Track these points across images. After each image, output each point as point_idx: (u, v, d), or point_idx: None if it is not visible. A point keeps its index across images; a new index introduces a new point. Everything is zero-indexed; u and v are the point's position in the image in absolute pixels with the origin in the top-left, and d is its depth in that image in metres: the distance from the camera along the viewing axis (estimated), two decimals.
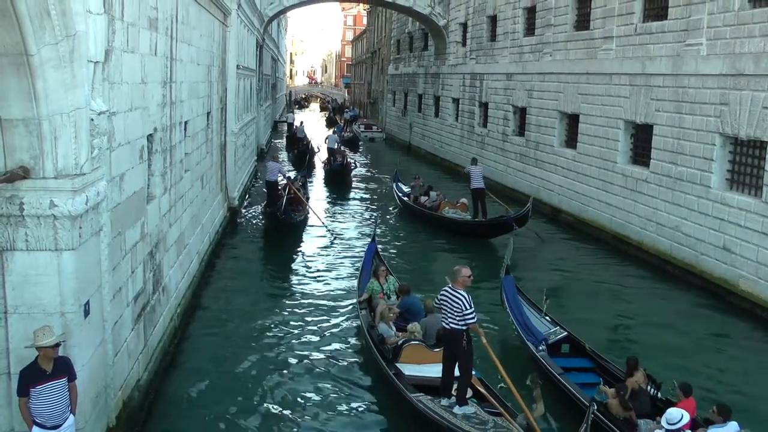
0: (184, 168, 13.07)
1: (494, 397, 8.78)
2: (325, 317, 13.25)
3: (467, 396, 8.65)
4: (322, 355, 11.43)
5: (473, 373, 8.97)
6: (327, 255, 18.11)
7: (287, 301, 14.25)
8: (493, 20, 30.38)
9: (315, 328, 12.71)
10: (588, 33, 21.58)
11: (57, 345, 6.19)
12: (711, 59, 15.76)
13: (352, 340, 12.13)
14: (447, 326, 8.75)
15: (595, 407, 7.35)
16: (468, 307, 8.50)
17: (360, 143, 45.92)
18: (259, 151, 32.34)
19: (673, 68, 17.09)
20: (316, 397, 9.98)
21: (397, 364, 9.65)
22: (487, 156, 30.19)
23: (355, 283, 14.18)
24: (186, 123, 13.11)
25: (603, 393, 8.90)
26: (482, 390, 8.89)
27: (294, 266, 17.21)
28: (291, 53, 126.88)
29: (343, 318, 13.20)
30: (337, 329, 12.70)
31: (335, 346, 11.91)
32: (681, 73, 16.78)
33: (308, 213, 21.47)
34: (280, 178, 22.37)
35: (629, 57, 19.14)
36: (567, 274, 17.12)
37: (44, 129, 6.21)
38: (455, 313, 8.56)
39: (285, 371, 10.85)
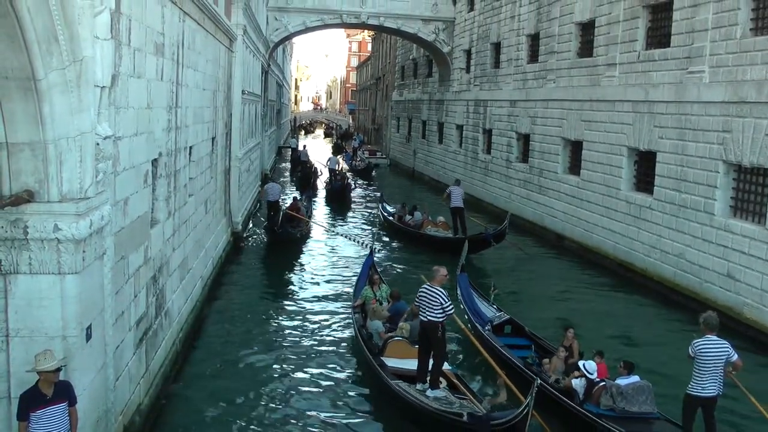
0: (188, 192, 13.11)
1: (464, 386, 10.25)
2: (323, 322, 14.42)
3: (442, 385, 9.99)
4: (318, 358, 12.49)
5: (450, 368, 10.57)
6: (326, 268, 19.29)
7: (288, 314, 15.05)
8: (497, 47, 30.60)
9: (312, 340, 13.45)
10: (591, 60, 21.71)
11: (58, 369, 6.17)
12: (713, 86, 15.84)
13: (347, 340, 13.36)
14: (425, 318, 10.01)
15: (539, 381, 8.76)
16: (446, 301, 9.90)
17: (373, 173, 44.22)
18: (263, 177, 32.49)
19: (676, 95, 17.16)
20: (313, 399, 10.82)
21: (382, 358, 11.05)
22: (491, 183, 30.26)
23: (350, 291, 15.40)
24: (191, 148, 13.17)
25: (535, 358, 11.32)
26: (455, 381, 10.32)
27: (294, 280, 18.17)
28: (296, 79, 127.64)
29: (340, 320, 14.48)
30: (334, 331, 13.96)
31: (331, 347, 13.07)
32: (684, 100, 16.85)
33: (309, 229, 23.02)
34: (281, 199, 23.89)
35: (632, 84, 19.23)
36: (571, 300, 17.06)
37: (50, 153, 6.25)
38: (434, 307, 9.87)
39: (284, 385, 11.31)
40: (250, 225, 25.31)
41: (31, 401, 6.15)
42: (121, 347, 8.13)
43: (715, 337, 8.60)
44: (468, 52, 34.63)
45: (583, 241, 21.63)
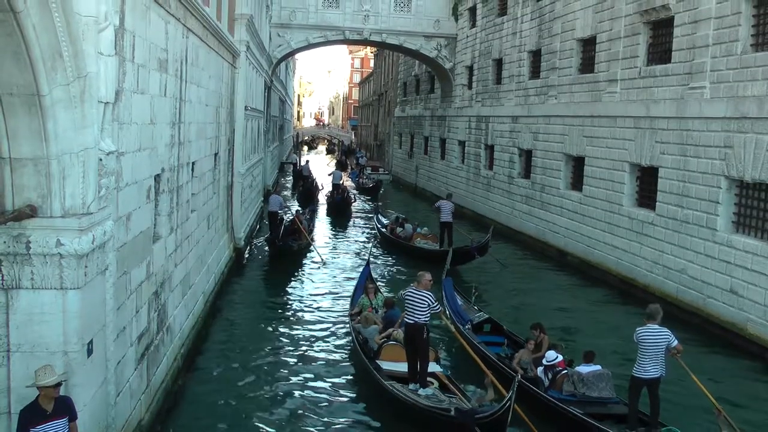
0: (191, 208, 13.13)
1: (454, 386, 10.96)
2: (322, 331, 14.97)
3: (433, 385, 10.74)
4: (318, 363, 13.06)
5: (441, 369, 11.45)
6: (325, 280, 19.95)
7: (289, 325, 15.50)
8: (499, 63, 30.71)
9: (312, 348, 13.95)
10: (593, 76, 21.78)
11: (58, 384, 6.15)
12: (715, 102, 15.87)
13: (345, 346, 13.97)
14: (411, 320, 10.72)
15: (519, 377, 9.66)
16: (434, 302, 10.72)
17: (381, 190, 43.45)
18: (265, 192, 32.59)
19: (677, 111, 17.20)
20: (313, 401, 11.34)
21: (377, 361, 11.71)
22: (493, 198, 30.27)
23: (348, 301, 16.05)
24: (193, 163, 13.21)
25: (507, 352, 12.53)
26: (446, 381, 11.10)
27: (295, 292, 18.71)
28: (299, 95, 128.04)
29: (338, 328, 15.09)
30: (333, 338, 14.59)
31: (330, 354, 13.67)
32: (685, 116, 16.89)
33: (311, 241, 23.74)
34: (281, 210, 24.72)
35: (634, 100, 19.28)
36: (574, 317, 17.03)
37: (53, 168, 6.27)
38: (422, 309, 10.62)
39: (284, 390, 11.76)
40: (253, 237, 25.52)
41: (31, 417, 6.12)
42: (122, 363, 8.12)
43: (656, 326, 9.62)
44: (470, 69, 34.76)
45: (586, 256, 21.61)
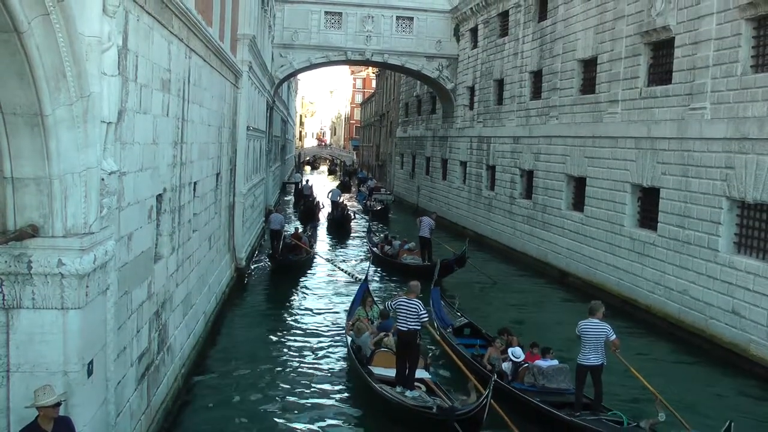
0: (193, 228, 13.13)
1: (440, 390, 11.63)
2: (320, 344, 15.47)
3: (422, 389, 11.53)
4: (315, 372, 13.67)
5: (429, 376, 12.20)
6: (325, 296, 20.38)
7: (288, 342, 15.70)
8: (500, 84, 30.84)
9: (310, 358, 14.55)
10: (594, 96, 21.86)
11: (57, 404, 6.11)
12: (715, 123, 15.92)
13: (342, 356, 14.66)
14: (405, 328, 11.44)
15: (495, 377, 10.49)
16: (423, 310, 11.45)
17: (390, 214, 42.79)
18: (267, 212, 32.62)
19: (678, 132, 17.24)
20: (309, 406, 11.97)
21: (370, 367, 12.39)
22: (495, 219, 30.27)
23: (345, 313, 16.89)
24: (195, 183, 13.22)
25: (479, 350, 13.63)
26: (433, 386, 11.80)
27: (295, 309, 19.01)
28: (301, 115, 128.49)
29: (336, 341, 15.69)
30: (331, 347, 15.29)
31: (328, 363, 14.32)
32: (686, 136, 16.93)
33: (312, 256, 25.09)
34: (282, 227, 25.57)
35: (635, 120, 19.33)
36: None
37: (55, 188, 6.27)
38: (413, 316, 11.33)
39: (283, 397, 12.28)
40: (255, 256, 25.65)
41: None
42: (122, 383, 8.09)
43: (596, 320, 10.97)
44: (471, 89, 34.91)
45: (587, 277, 21.56)
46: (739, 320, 14.87)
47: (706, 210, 16.15)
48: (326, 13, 36.28)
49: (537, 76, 26.82)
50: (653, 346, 16.25)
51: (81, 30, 6.23)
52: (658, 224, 18.05)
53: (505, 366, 12.26)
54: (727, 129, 15.49)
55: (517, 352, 12.40)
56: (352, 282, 21.59)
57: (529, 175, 27.10)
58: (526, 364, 12.13)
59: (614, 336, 10.87)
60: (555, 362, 12.06)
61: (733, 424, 8.87)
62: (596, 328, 10.87)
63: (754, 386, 13.72)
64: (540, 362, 12.01)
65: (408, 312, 11.40)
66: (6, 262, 6.30)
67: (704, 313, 16.00)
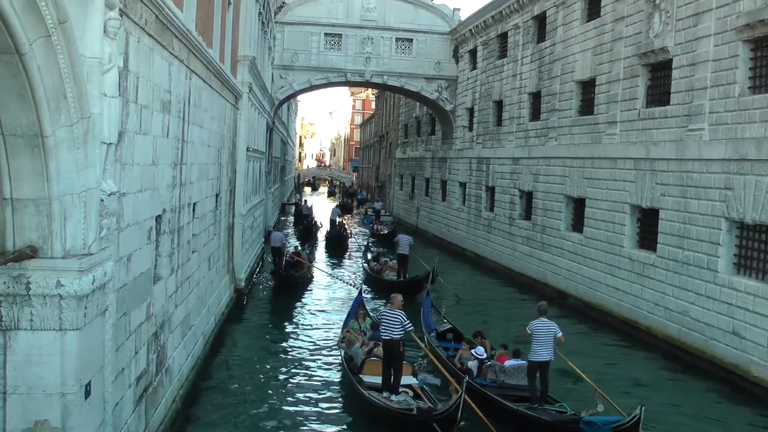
0: (192, 249, 13.11)
1: (425, 395, 12.40)
2: (316, 358, 15.98)
3: (409, 395, 12.23)
4: (310, 382, 14.30)
5: (416, 382, 12.88)
6: (322, 311, 21.20)
7: (286, 358, 16.09)
8: (499, 105, 30.96)
9: (307, 368, 15.13)
10: (592, 118, 21.94)
11: None
12: (714, 144, 15.96)
13: (335, 367, 15.28)
14: (387, 337, 12.19)
15: (467, 378, 11.26)
16: (406, 320, 12.22)
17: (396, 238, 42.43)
18: (266, 234, 32.63)
19: (676, 153, 17.29)
20: (304, 414, 12.50)
21: (360, 375, 13.13)
22: (494, 240, 30.25)
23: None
24: (195, 204, 13.23)
25: (453, 351, 14.80)
26: (419, 392, 12.54)
27: (292, 326, 19.56)
28: (300, 136, 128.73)
29: (331, 354, 16.21)
30: (326, 358, 15.95)
31: (322, 374, 14.90)
32: (685, 157, 16.97)
33: (311, 274, 25.94)
34: (284, 245, 26.99)
35: (633, 141, 19.39)
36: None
37: (54, 209, 6.27)
38: (396, 326, 12.10)
39: (280, 405, 12.84)
40: (254, 276, 25.70)
41: None
42: (120, 404, 8.04)
43: (545, 319, 12.19)
44: (471, 110, 35.03)
45: (587, 298, 21.52)
46: (739, 341, 14.82)
47: (706, 231, 16.15)
48: (326, 34, 36.47)
49: (536, 97, 26.93)
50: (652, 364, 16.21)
51: (82, 51, 6.26)
52: (658, 245, 18.05)
53: (471, 364, 13.36)
54: (726, 150, 15.53)
55: (479, 351, 13.67)
56: (350, 299, 21.50)
57: (528, 196, 27.13)
58: (489, 363, 13.29)
59: (561, 333, 12.13)
60: (523, 362, 12.94)
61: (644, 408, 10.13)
62: (546, 328, 12.09)
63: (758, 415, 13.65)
64: (509, 361, 13.18)
65: (390, 322, 12.22)
66: (5, 283, 6.29)
67: (705, 334, 15.95)
